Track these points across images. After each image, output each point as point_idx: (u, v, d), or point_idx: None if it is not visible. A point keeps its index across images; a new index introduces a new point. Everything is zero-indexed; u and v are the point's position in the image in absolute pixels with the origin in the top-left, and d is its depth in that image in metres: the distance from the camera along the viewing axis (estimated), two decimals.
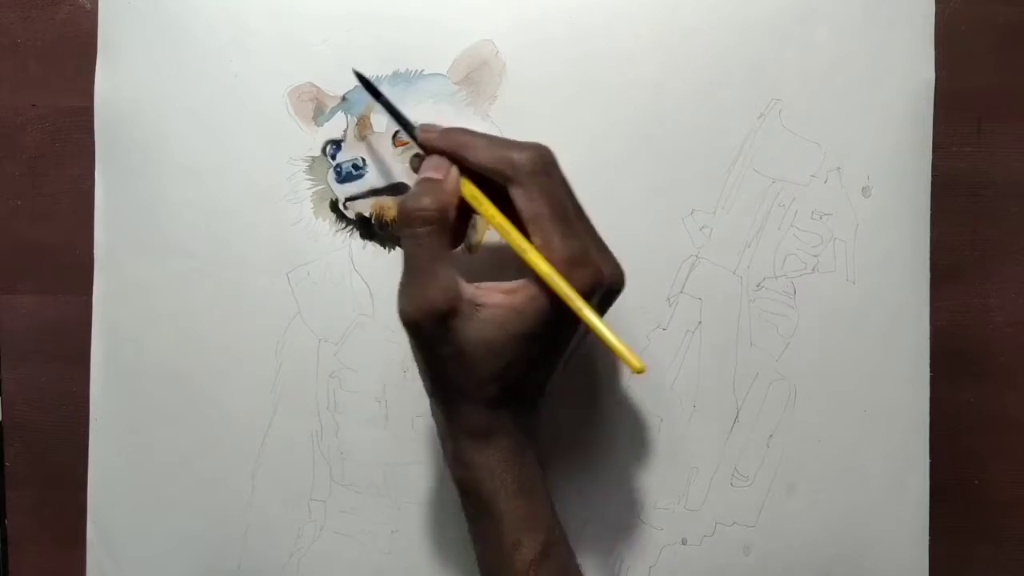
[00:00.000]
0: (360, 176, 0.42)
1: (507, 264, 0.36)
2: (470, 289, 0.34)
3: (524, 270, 0.34)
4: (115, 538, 0.43)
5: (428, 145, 0.36)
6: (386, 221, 0.42)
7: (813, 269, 0.42)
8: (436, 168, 0.35)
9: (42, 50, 0.43)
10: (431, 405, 0.37)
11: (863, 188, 0.42)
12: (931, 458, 0.42)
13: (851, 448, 0.42)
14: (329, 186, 0.42)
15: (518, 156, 0.33)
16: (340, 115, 0.42)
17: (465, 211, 0.35)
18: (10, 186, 0.43)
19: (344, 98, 0.42)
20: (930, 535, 0.42)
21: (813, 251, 0.42)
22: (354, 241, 0.42)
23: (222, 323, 0.42)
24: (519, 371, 0.34)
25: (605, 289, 0.34)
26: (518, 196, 0.33)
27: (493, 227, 0.34)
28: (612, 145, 0.42)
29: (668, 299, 0.42)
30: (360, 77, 0.39)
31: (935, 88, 0.42)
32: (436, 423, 0.38)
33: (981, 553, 0.44)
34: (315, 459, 0.42)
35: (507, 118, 0.41)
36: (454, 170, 0.35)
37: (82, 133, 0.42)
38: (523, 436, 0.36)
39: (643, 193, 0.42)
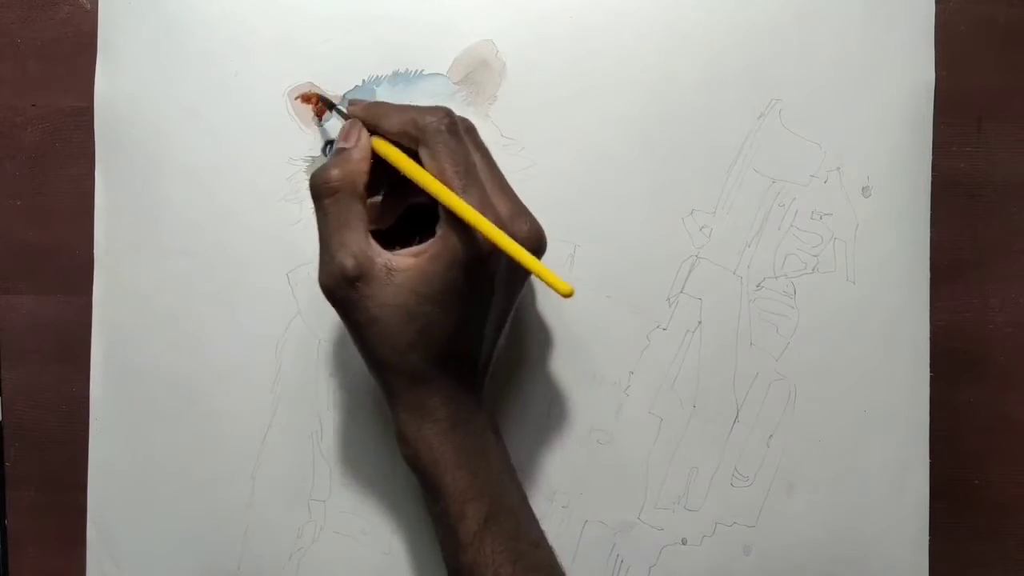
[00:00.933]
0: None
1: None
2: (385, 255, 0.34)
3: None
4: (115, 538, 0.43)
5: (350, 115, 0.37)
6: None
7: (813, 269, 0.42)
8: (347, 135, 0.36)
9: (42, 50, 0.43)
10: None
11: (863, 188, 0.42)
12: (931, 458, 0.42)
13: (851, 448, 0.42)
14: None
15: (423, 116, 0.34)
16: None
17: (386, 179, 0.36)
18: (10, 186, 0.43)
19: (344, 98, 0.42)
20: (930, 535, 0.42)
21: (813, 251, 0.42)
22: None
23: (222, 323, 0.42)
24: (438, 336, 0.34)
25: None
26: (424, 156, 0.34)
27: (410, 178, 0.34)
28: (612, 145, 0.42)
29: (668, 299, 0.42)
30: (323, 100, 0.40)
31: (935, 88, 0.42)
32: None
33: (981, 553, 0.44)
34: (315, 459, 0.42)
35: (507, 118, 0.41)
36: (364, 135, 0.36)
37: (82, 133, 0.42)
38: (464, 406, 0.36)
39: (643, 193, 0.42)
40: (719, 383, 0.42)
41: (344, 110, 0.37)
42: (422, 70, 0.42)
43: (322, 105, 0.40)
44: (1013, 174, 0.43)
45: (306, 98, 0.40)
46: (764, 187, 0.42)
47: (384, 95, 0.41)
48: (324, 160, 0.42)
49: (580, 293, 0.41)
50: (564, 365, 0.42)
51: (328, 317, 0.42)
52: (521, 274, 0.36)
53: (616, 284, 0.42)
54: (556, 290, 0.31)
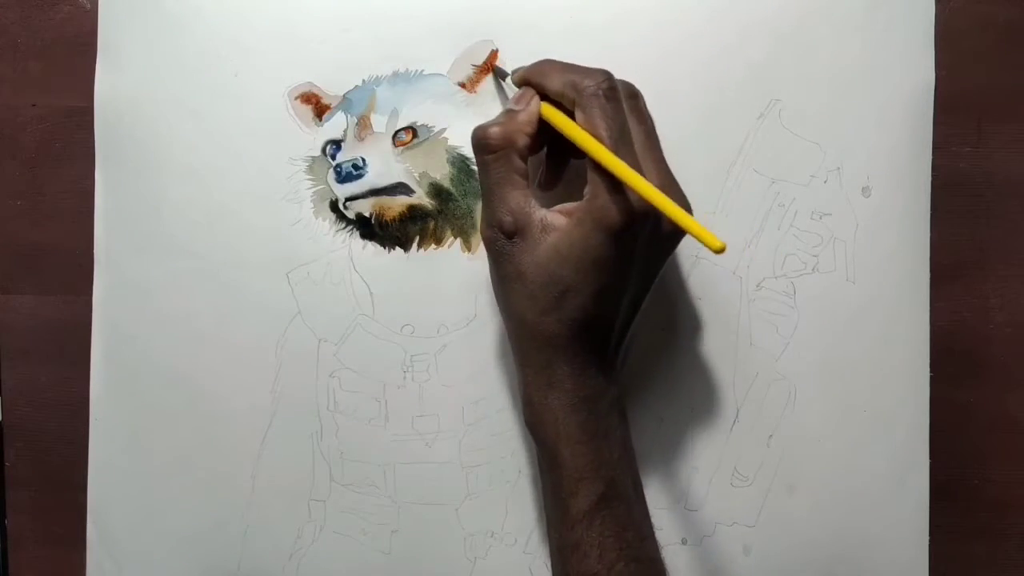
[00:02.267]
0: (360, 176, 0.42)
1: None
2: (541, 212, 0.35)
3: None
4: (115, 538, 0.43)
5: (518, 80, 0.38)
6: (386, 221, 0.42)
7: (813, 269, 0.42)
8: (517, 100, 0.37)
9: (42, 50, 0.43)
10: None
11: (863, 188, 0.42)
12: (931, 458, 0.42)
13: (851, 448, 0.42)
14: (329, 186, 0.42)
15: (582, 79, 0.34)
16: (340, 115, 0.42)
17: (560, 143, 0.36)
18: (10, 186, 0.43)
19: (344, 98, 0.42)
20: (930, 535, 0.42)
21: (813, 251, 0.42)
22: (354, 241, 0.42)
23: (222, 323, 0.42)
24: (575, 303, 0.34)
25: (656, 221, 0.34)
26: (579, 117, 0.34)
27: (570, 138, 0.34)
28: None
29: (668, 299, 0.42)
30: (495, 69, 0.41)
31: (935, 88, 0.42)
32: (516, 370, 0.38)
33: (981, 553, 0.44)
34: (315, 459, 0.42)
35: None
36: (535, 99, 0.36)
37: (82, 133, 0.42)
38: (593, 381, 0.36)
39: None
40: (719, 383, 0.42)
41: (512, 72, 0.38)
42: (422, 70, 0.42)
43: (493, 74, 0.41)
44: (1013, 174, 0.43)
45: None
46: (764, 187, 0.42)
47: (384, 95, 0.41)
48: (324, 160, 0.42)
49: None
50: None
51: (328, 317, 0.42)
52: (665, 248, 0.37)
53: None
54: (707, 245, 0.31)
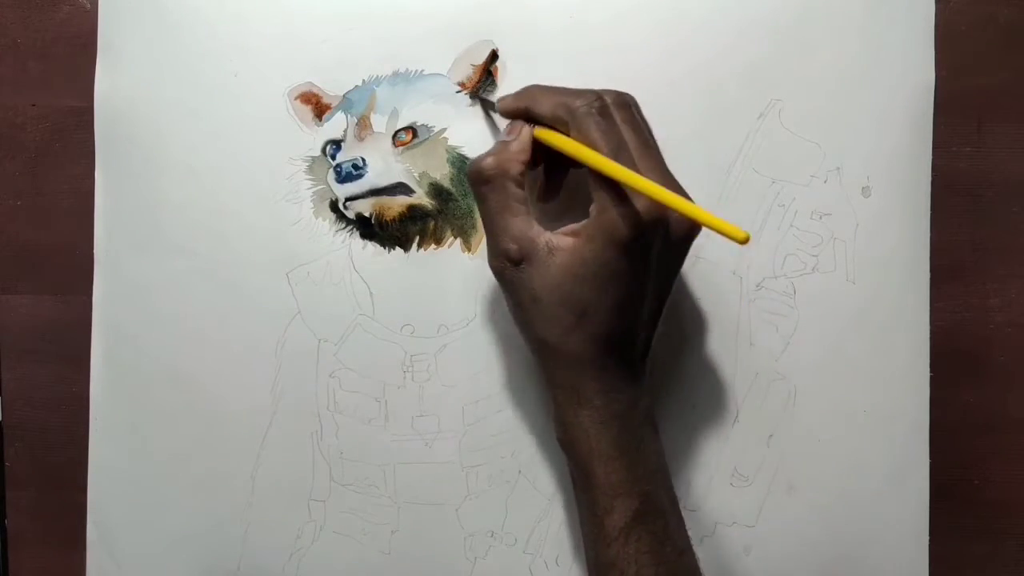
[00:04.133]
0: (360, 176, 0.42)
1: None
2: (546, 235, 0.35)
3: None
4: (115, 538, 0.43)
5: (505, 111, 0.38)
6: (386, 221, 0.42)
7: (813, 269, 0.42)
8: (509, 131, 0.37)
9: (42, 50, 0.43)
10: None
11: (863, 188, 0.42)
12: (931, 458, 0.42)
13: (851, 448, 0.42)
14: (329, 186, 0.42)
15: (573, 100, 0.35)
16: (340, 115, 0.42)
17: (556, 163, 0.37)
18: (10, 186, 0.43)
19: (344, 98, 0.42)
20: (930, 535, 0.42)
21: (813, 251, 0.42)
22: (354, 241, 0.42)
23: (222, 323, 0.42)
24: (596, 319, 0.34)
25: (665, 232, 0.34)
26: (574, 138, 0.34)
27: (575, 157, 0.34)
28: None
29: (668, 299, 0.42)
30: (482, 100, 0.41)
31: (935, 88, 0.42)
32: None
33: (981, 553, 0.44)
34: (315, 459, 0.42)
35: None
36: (526, 128, 0.36)
37: (82, 133, 0.42)
38: (623, 396, 0.36)
39: None
40: (719, 383, 0.42)
41: (498, 101, 0.38)
42: (422, 70, 0.42)
43: (481, 105, 0.41)
44: (1013, 174, 0.43)
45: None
46: (764, 187, 0.42)
47: (384, 95, 0.41)
48: (324, 160, 0.42)
49: None
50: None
51: (328, 317, 0.42)
52: (677, 252, 0.36)
53: None
54: (731, 237, 0.30)
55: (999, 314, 0.43)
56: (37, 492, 0.44)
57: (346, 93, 0.42)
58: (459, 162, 0.42)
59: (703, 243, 0.42)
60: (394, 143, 0.42)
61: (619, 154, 0.33)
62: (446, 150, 0.42)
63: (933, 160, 0.42)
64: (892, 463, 0.42)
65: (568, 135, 0.35)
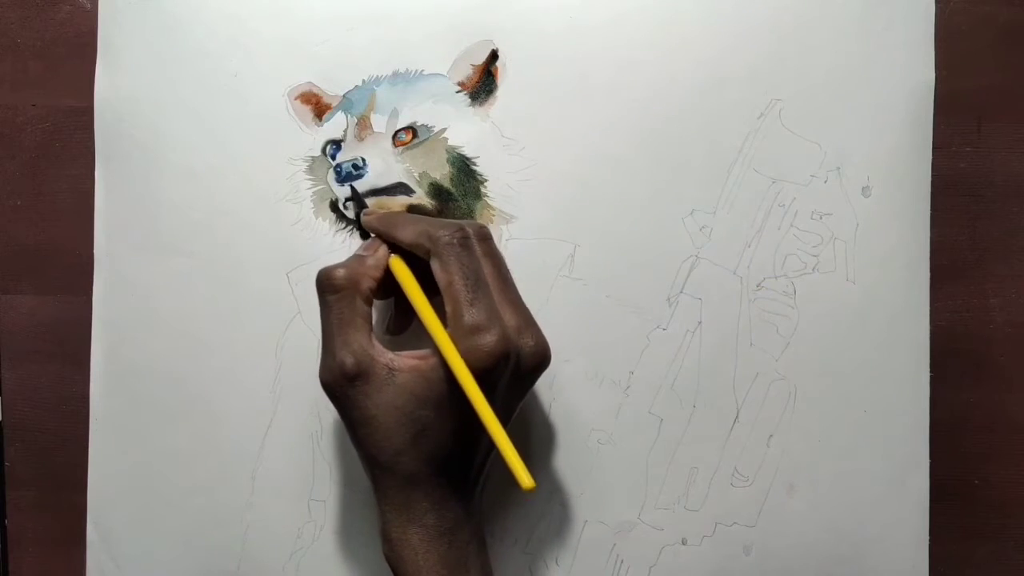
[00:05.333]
0: (360, 176, 0.42)
1: None
2: (388, 355, 0.35)
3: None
4: (115, 538, 0.43)
5: (368, 226, 0.39)
6: None
7: (813, 269, 0.42)
8: (367, 247, 0.37)
9: (42, 50, 0.43)
10: None
11: (863, 188, 0.42)
12: (931, 458, 0.42)
13: (851, 448, 0.42)
14: (329, 186, 0.42)
15: (436, 230, 0.35)
16: (340, 115, 0.42)
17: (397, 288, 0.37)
18: (10, 186, 0.43)
19: (344, 98, 0.42)
20: (930, 535, 0.42)
21: (813, 251, 0.42)
22: (354, 241, 0.42)
23: (222, 323, 0.42)
24: (433, 440, 0.34)
25: (516, 361, 0.35)
26: (434, 267, 0.35)
27: (409, 300, 0.35)
28: (612, 145, 0.42)
29: (668, 299, 0.42)
30: (352, 189, 0.41)
31: (935, 88, 0.42)
32: None
33: (981, 553, 0.44)
34: (315, 459, 0.42)
35: (507, 118, 0.41)
36: (383, 248, 0.37)
37: (82, 133, 0.42)
38: (451, 514, 0.36)
39: (643, 193, 0.42)
40: (719, 383, 0.42)
41: (363, 215, 0.40)
42: (422, 70, 0.42)
43: (351, 211, 0.41)
44: (1013, 174, 0.43)
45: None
46: (764, 187, 0.42)
47: (384, 95, 0.41)
48: (324, 160, 0.42)
49: (580, 293, 0.41)
50: (564, 365, 0.42)
51: None
52: (522, 386, 0.37)
53: (616, 284, 0.42)
54: (518, 480, 0.32)
55: (999, 314, 0.43)
56: (37, 492, 0.44)
57: (346, 93, 0.42)
58: (459, 162, 0.42)
59: (703, 243, 0.42)
60: (394, 143, 0.42)
61: (477, 286, 0.34)
62: (446, 150, 0.42)
63: (933, 160, 0.42)
64: (892, 463, 0.42)
65: (428, 263, 0.35)
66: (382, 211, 0.40)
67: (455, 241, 0.35)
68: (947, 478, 0.43)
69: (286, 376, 0.42)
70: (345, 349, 0.35)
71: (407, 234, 0.36)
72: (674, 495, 0.42)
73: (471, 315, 0.34)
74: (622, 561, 0.42)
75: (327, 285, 0.36)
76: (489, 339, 0.33)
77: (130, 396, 0.42)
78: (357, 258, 0.37)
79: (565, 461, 0.42)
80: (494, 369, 0.34)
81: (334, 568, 0.42)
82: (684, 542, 0.42)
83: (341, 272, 0.36)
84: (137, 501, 0.42)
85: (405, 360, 0.35)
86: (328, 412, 0.42)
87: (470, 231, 0.35)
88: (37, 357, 0.43)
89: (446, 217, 0.42)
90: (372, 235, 0.39)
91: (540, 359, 0.36)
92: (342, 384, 0.35)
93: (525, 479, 0.32)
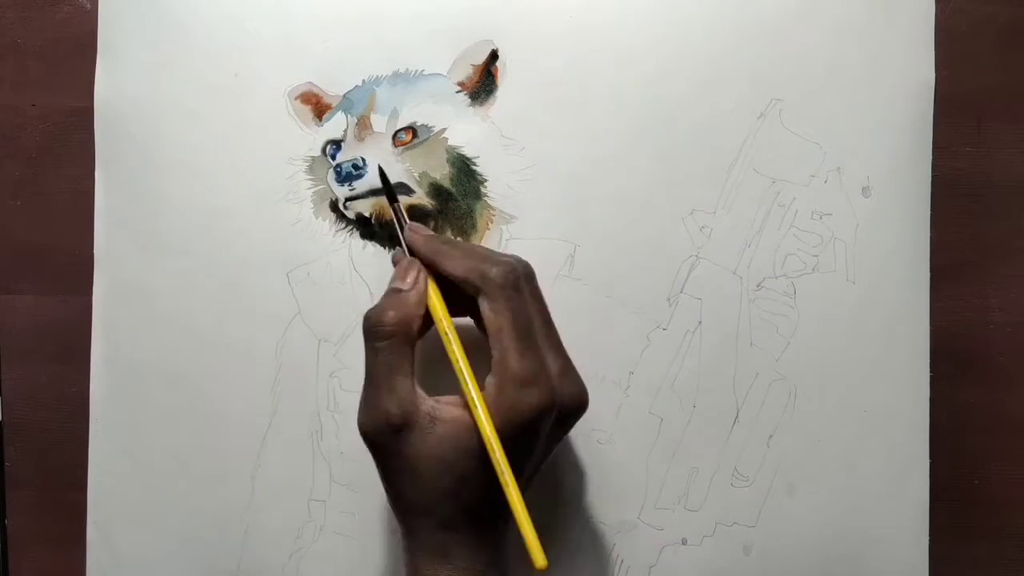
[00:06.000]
0: (360, 176, 0.42)
1: None
2: (429, 403, 0.34)
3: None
4: (115, 538, 0.43)
5: (411, 246, 0.37)
6: (386, 221, 0.42)
7: (813, 269, 0.42)
8: (406, 274, 0.36)
9: (42, 50, 0.43)
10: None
11: (863, 188, 0.42)
12: (931, 458, 0.42)
13: (851, 448, 0.42)
14: (329, 186, 0.42)
15: (489, 268, 0.34)
16: (340, 115, 0.42)
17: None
18: (10, 186, 0.43)
19: (344, 98, 0.42)
20: (930, 535, 0.42)
21: (813, 251, 0.42)
22: (354, 241, 0.42)
23: (222, 323, 0.42)
24: (474, 489, 0.34)
25: (558, 411, 0.34)
26: (484, 308, 0.34)
27: (446, 346, 0.35)
28: (612, 145, 0.42)
29: (668, 299, 0.42)
30: (382, 175, 0.40)
31: (935, 88, 0.42)
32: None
33: (981, 553, 0.44)
34: (315, 459, 0.42)
35: (507, 118, 0.41)
36: (423, 278, 0.36)
37: (82, 133, 0.42)
38: (483, 555, 0.35)
39: (643, 193, 0.42)
40: (719, 383, 0.42)
41: (404, 237, 0.38)
42: (422, 70, 0.42)
43: (387, 195, 0.40)
44: (1013, 174, 0.43)
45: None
46: (764, 187, 0.42)
47: (384, 95, 0.41)
48: (324, 160, 0.42)
49: (580, 293, 0.41)
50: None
51: (328, 317, 0.42)
52: (562, 430, 0.36)
53: (616, 284, 0.42)
54: (533, 559, 0.32)
55: (999, 314, 0.43)
56: (37, 492, 0.44)
57: (346, 93, 0.42)
58: (459, 162, 0.42)
59: (703, 243, 0.42)
60: (394, 143, 0.42)
61: (528, 336, 0.34)
62: (446, 150, 0.42)
63: (933, 160, 0.42)
64: (892, 463, 0.42)
65: (475, 298, 0.34)
66: (426, 232, 0.38)
67: (508, 284, 0.34)
68: (947, 478, 0.43)
69: (286, 376, 0.42)
70: (391, 399, 0.34)
71: (457, 268, 0.35)
72: (674, 495, 0.42)
73: (521, 367, 0.33)
74: (622, 561, 0.42)
75: (378, 332, 0.34)
76: (538, 393, 0.33)
77: (130, 396, 0.42)
78: (399, 296, 0.35)
79: (565, 461, 0.42)
80: (536, 422, 0.33)
81: (334, 568, 0.42)
82: (684, 542, 0.42)
83: (391, 316, 0.34)
84: (137, 501, 0.42)
85: (447, 409, 0.34)
86: (328, 412, 0.42)
87: (520, 271, 0.35)
88: (37, 357, 0.43)
89: (446, 216, 0.42)
90: (399, 253, 0.38)
91: (579, 403, 0.35)
92: (384, 434, 0.34)
93: (539, 558, 0.32)
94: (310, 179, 0.42)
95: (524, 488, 0.35)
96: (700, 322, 0.42)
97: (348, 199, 0.42)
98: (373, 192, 0.42)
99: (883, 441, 0.42)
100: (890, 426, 0.42)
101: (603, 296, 0.42)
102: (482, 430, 0.33)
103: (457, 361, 0.34)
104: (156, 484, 0.42)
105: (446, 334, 0.35)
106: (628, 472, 0.42)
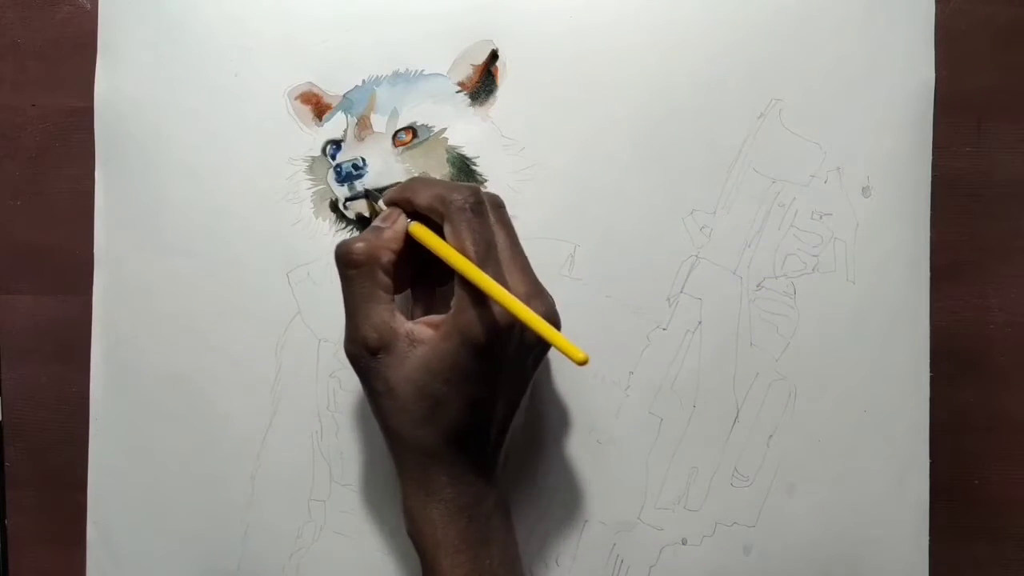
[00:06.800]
0: (360, 176, 0.42)
1: None
2: (407, 326, 0.35)
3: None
4: (115, 538, 0.43)
5: (388, 200, 0.38)
6: None
7: (813, 269, 0.42)
8: (384, 218, 0.37)
9: (42, 50, 0.43)
10: None
11: (863, 188, 0.42)
12: (931, 458, 0.42)
13: (851, 448, 0.42)
14: (329, 186, 0.42)
15: (451, 193, 0.34)
16: (340, 115, 0.42)
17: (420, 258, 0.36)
18: (10, 186, 0.43)
19: (344, 98, 0.42)
20: (930, 535, 0.42)
21: (813, 251, 0.42)
22: None
23: (222, 323, 0.42)
24: (448, 414, 0.35)
25: (521, 331, 0.35)
26: (447, 230, 0.34)
27: (437, 254, 0.35)
28: (612, 145, 0.42)
29: (668, 299, 0.42)
30: (367, 192, 0.41)
31: (935, 88, 0.42)
32: None
33: (981, 553, 0.44)
34: (315, 459, 0.42)
35: (507, 118, 0.41)
36: (401, 218, 0.36)
37: (82, 133, 0.42)
38: (472, 488, 0.36)
39: (643, 193, 0.42)
40: (719, 383, 0.42)
41: (380, 198, 0.39)
42: (422, 70, 0.42)
43: (366, 197, 0.41)
44: (1013, 174, 0.43)
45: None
46: (764, 187, 0.42)
47: (384, 95, 0.41)
48: (324, 160, 0.42)
49: (580, 293, 0.41)
50: (564, 365, 0.42)
51: (328, 317, 0.42)
52: (532, 359, 0.37)
53: (616, 284, 0.42)
54: (571, 357, 0.31)
55: (999, 314, 0.43)
56: (37, 492, 0.44)
57: (346, 93, 0.42)
58: (459, 162, 0.42)
59: (703, 243, 0.42)
60: (394, 143, 0.42)
61: (487, 253, 0.34)
62: (446, 150, 0.42)
63: (933, 160, 0.42)
64: (892, 463, 0.42)
65: (442, 227, 0.35)
66: (401, 184, 0.38)
67: (468, 206, 0.34)
68: (947, 478, 0.43)
69: (286, 376, 0.42)
70: (367, 323, 0.35)
71: (423, 198, 0.35)
72: (674, 495, 0.42)
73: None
74: (622, 561, 0.42)
75: (347, 260, 0.35)
76: (495, 311, 0.33)
77: (130, 396, 0.42)
78: (375, 230, 0.36)
79: (565, 461, 0.42)
80: (494, 340, 0.33)
81: (334, 568, 0.42)
82: (684, 542, 0.42)
83: (360, 246, 0.35)
84: (137, 501, 0.42)
85: (423, 329, 0.35)
86: (328, 412, 0.42)
87: (484, 198, 0.35)
88: (37, 357, 0.43)
89: None
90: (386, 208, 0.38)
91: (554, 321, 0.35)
92: (365, 357, 0.35)
93: (576, 353, 0.31)
94: (310, 179, 0.42)
95: (507, 421, 0.36)
96: (700, 322, 0.42)
97: (348, 199, 0.42)
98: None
99: (883, 441, 0.42)
100: (890, 426, 0.42)
101: (603, 296, 0.42)
102: (492, 292, 0.33)
103: (448, 255, 0.34)
104: (156, 484, 0.42)
105: (433, 242, 0.35)
106: (628, 472, 0.42)
